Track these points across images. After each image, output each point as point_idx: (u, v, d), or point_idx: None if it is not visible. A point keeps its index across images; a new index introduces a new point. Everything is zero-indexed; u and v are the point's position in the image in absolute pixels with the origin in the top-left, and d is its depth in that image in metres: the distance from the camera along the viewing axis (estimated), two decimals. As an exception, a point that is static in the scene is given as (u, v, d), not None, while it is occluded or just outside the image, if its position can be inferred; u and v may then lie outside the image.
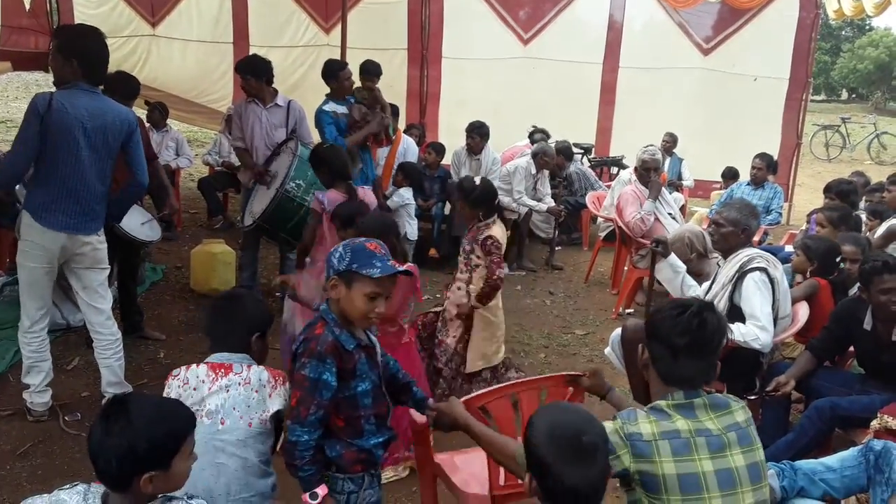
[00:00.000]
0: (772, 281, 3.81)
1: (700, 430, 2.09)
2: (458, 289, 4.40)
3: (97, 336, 4.12)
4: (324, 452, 2.35)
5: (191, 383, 2.48)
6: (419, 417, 2.83)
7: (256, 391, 2.48)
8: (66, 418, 4.12)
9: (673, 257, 4.41)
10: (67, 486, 1.93)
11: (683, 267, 4.37)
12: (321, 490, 2.26)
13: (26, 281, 3.95)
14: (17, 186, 4.37)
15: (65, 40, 3.87)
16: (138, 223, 5.01)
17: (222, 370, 2.50)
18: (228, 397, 2.45)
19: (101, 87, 3.99)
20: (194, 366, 2.53)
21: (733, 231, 4.00)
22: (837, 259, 4.49)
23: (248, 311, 2.66)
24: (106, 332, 4.12)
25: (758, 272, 3.80)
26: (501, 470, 2.74)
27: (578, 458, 1.79)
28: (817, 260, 4.46)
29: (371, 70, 6.31)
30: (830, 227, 5.08)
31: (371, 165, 6.27)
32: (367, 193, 4.58)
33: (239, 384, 2.47)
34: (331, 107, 5.88)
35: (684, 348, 2.15)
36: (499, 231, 4.34)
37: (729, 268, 3.98)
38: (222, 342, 2.61)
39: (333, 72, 5.99)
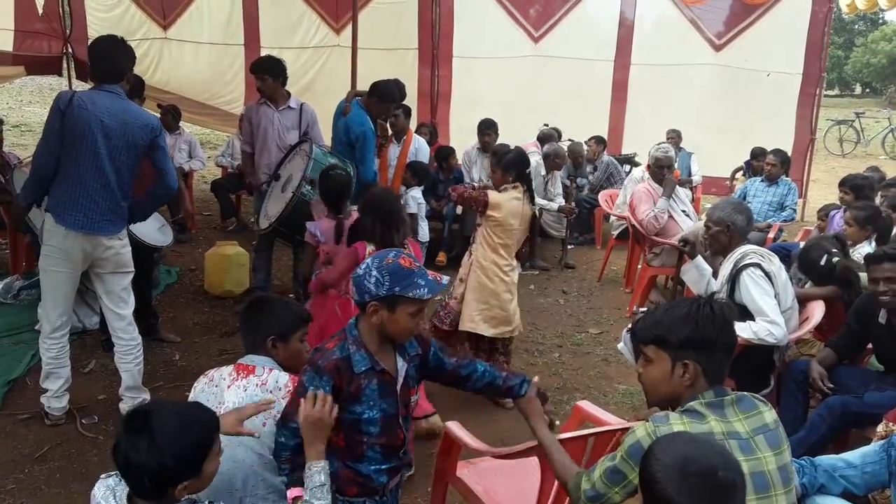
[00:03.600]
0: (768, 274, 3.80)
1: (731, 432, 2.03)
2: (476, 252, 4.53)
3: (118, 341, 4.14)
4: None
5: (214, 380, 2.59)
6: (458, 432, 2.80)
7: (271, 392, 2.51)
8: (84, 421, 4.14)
9: (699, 259, 4.37)
10: (103, 476, 1.98)
11: (710, 269, 4.33)
12: (290, 493, 2.24)
13: (48, 286, 3.97)
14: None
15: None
16: (150, 227, 5.03)
17: (245, 371, 2.56)
18: (246, 396, 2.50)
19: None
20: (224, 367, 2.63)
21: (721, 230, 4.01)
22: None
23: (266, 317, 2.68)
24: (127, 337, 4.13)
25: (752, 268, 3.79)
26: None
27: (715, 499, 1.63)
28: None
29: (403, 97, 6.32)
30: (857, 226, 5.01)
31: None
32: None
33: (256, 385, 2.53)
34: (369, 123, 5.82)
35: (721, 340, 2.12)
36: (505, 198, 4.38)
37: (725, 267, 3.99)
38: (247, 345, 2.69)
39: (391, 98, 5.94)
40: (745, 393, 2.16)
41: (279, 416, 2.42)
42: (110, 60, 3.94)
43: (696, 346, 2.11)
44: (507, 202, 4.38)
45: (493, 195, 4.38)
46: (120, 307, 4.11)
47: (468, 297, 4.46)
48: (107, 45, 3.96)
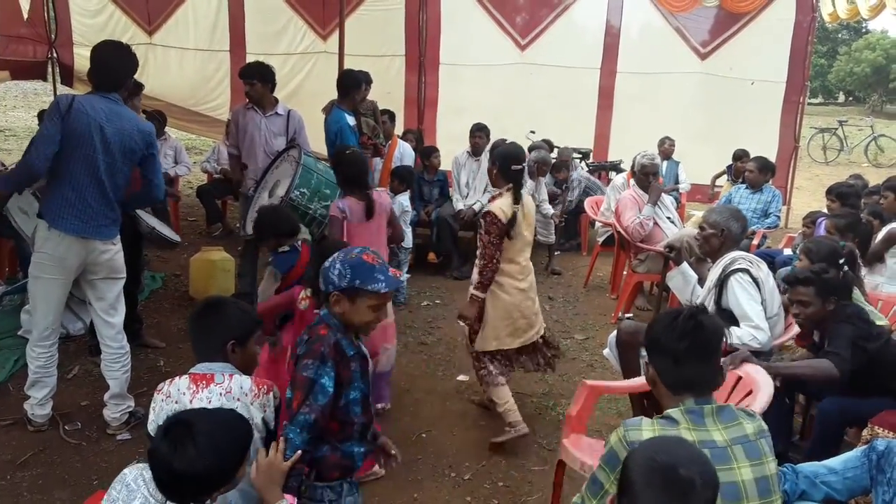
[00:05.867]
0: (755, 280, 3.85)
1: (705, 441, 2.05)
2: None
3: (106, 349, 4.11)
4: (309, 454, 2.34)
5: (173, 397, 2.47)
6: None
7: (238, 399, 2.46)
8: (67, 428, 4.12)
9: (685, 265, 4.41)
10: (133, 464, 2.01)
11: (695, 276, 4.36)
12: (286, 499, 2.23)
13: (40, 294, 3.94)
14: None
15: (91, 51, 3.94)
16: (162, 225, 5.09)
17: (203, 381, 2.47)
18: (212, 407, 2.41)
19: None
20: (177, 378, 2.52)
21: (714, 234, 4.08)
22: (840, 261, 4.49)
23: (223, 319, 2.59)
24: (115, 345, 4.11)
25: (740, 273, 3.85)
26: None
27: (666, 490, 1.67)
28: (821, 262, 4.45)
29: (370, 80, 6.36)
30: (838, 233, 5.05)
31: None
32: (380, 195, 4.57)
33: (220, 394, 2.45)
34: (350, 120, 5.89)
35: (685, 352, 2.13)
36: (502, 204, 4.04)
37: (714, 272, 4.04)
38: (203, 352, 2.59)
39: (357, 84, 6.00)
40: (730, 404, 2.20)
41: (254, 424, 2.40)
42: (111, 69, 3.90)
43: (650, 348, 2.24)
44: (507, 211, 4.04)
45: (493, 223, 4.00)
46: (110, 315, 4.09)
47: (491, 316, 4.14)
48: (108, 51, 3.91)
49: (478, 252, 4.12)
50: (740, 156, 9.16)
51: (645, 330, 2.30)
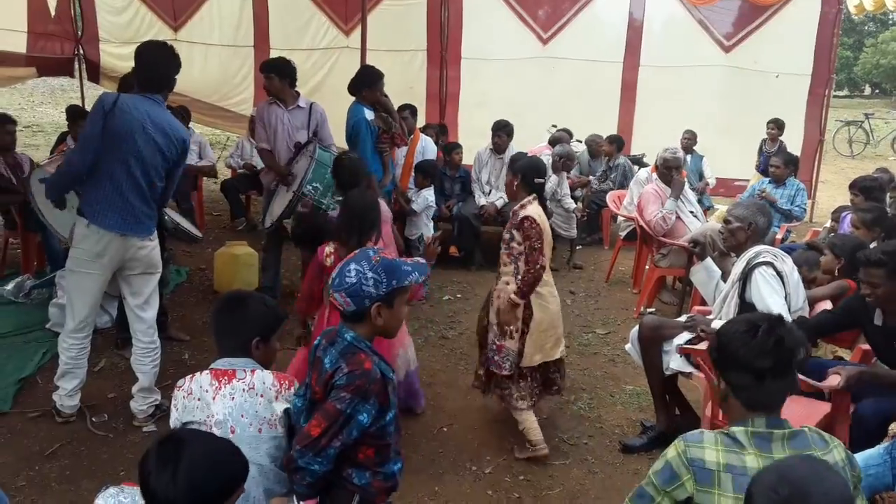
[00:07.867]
0: (780, 274, 3.83)
1: None
2: (507, 283, 3.96)
3: (137, 343, 4.17)
4: (351, 482, 2.31)
5: (195, 394, 2.46)
6: None
7: (262, 395, 2.45)
8: (94, 419, 4.18)
9: (709, 261, 4.39)
10: (104, 489, 1.96)
11: (719, 272, 4.34)
12: None
13: (77, 288, 4.01)
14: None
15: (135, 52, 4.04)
16: (184, 221, 5.15)
17: (226, 377, 2.46)
18: (235, 405, 2.41)
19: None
20: (198, 374, 2.50)
21: (740, 227, 4.05)
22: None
23: (249, 315, 2.57)
24: (147, 339, 4.17)
25: (764, 266, 3.83)
26: None
27: None
28: (845, 257, 4.42)
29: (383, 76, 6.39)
30: (864, 228, 5.01)
31: (382, 171, 6.30)
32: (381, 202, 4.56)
33: (243, 390, 2.43)
34: (369, 115, 5.93)
35: (770, 371, 2.03)
36: (537, 211, 3.95)
37: (738, 265, 4.02)
38: (226, 347, 2.57)
39: (374, 80, 6.02)
40: (804, 428, 2.07)
41: (278, 419, 2.41)
42: (156, 70, 4.00)
43: (724, 363, 2.14)
44: (542, 219, 3.96)
45: (535, 228, 3.86)
46: (143, 310, 4.16)
47: (537, 330, 3.97)
48: (153, 52, 4.01)
49: (505, 259, 4.00)
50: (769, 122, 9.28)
51: (720, 339, 2.16)
